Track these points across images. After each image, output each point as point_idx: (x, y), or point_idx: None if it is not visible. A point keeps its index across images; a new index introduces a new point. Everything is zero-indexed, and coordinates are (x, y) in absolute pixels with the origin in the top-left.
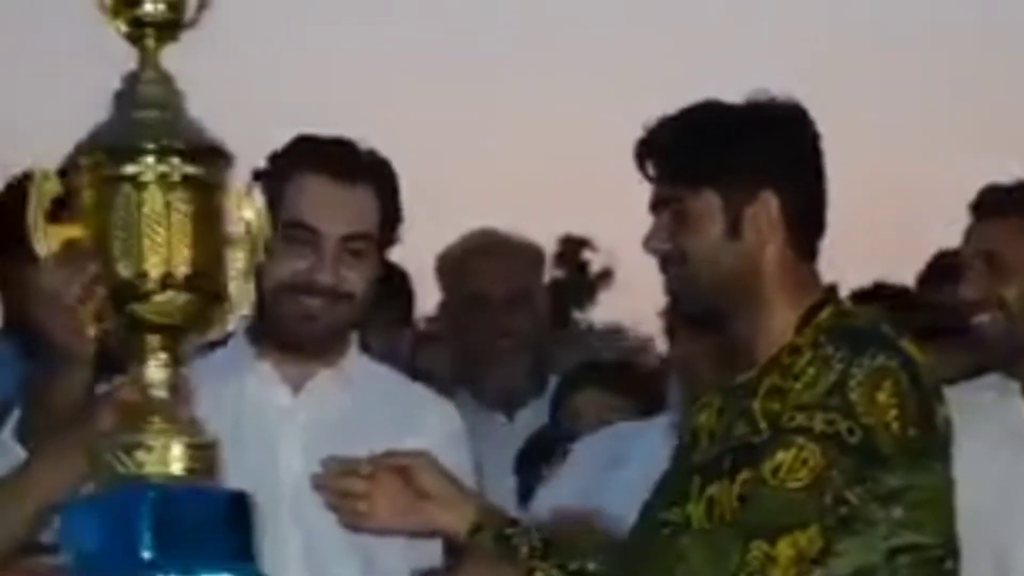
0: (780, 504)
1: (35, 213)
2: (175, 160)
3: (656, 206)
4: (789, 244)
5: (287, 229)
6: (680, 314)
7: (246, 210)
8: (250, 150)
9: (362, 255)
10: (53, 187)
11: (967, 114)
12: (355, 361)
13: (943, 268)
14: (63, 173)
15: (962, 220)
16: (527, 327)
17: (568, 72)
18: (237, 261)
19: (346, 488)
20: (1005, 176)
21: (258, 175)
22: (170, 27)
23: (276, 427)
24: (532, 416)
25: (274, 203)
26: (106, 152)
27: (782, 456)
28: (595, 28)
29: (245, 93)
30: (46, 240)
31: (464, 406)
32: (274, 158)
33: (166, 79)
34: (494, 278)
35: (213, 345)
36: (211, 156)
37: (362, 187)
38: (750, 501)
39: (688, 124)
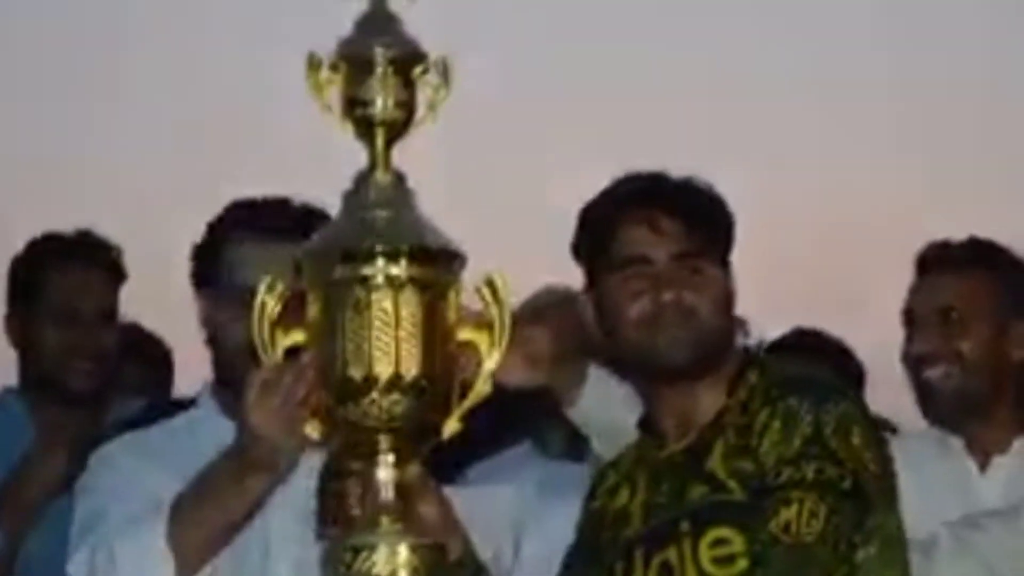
0: (800, 558)
1: (261, 322)
2: (404, 262)
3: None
4: None
5: (243, 295)
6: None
7: (488, 305)
8: None
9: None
10: (279, 295)
11: (913, 166)
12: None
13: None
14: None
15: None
16: None
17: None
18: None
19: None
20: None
21: (197, 249)
22: (400, 126)
23: None
24: None
25: (217, 272)
26: (336, 255)
27: (787, 513)
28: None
29: None
30: (272, 349)
31: None
32: (211, 228)
33: (396, 178)
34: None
35: (177, 407)
36: (441, 257)
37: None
38: (768, 563)
39: (703, 195)
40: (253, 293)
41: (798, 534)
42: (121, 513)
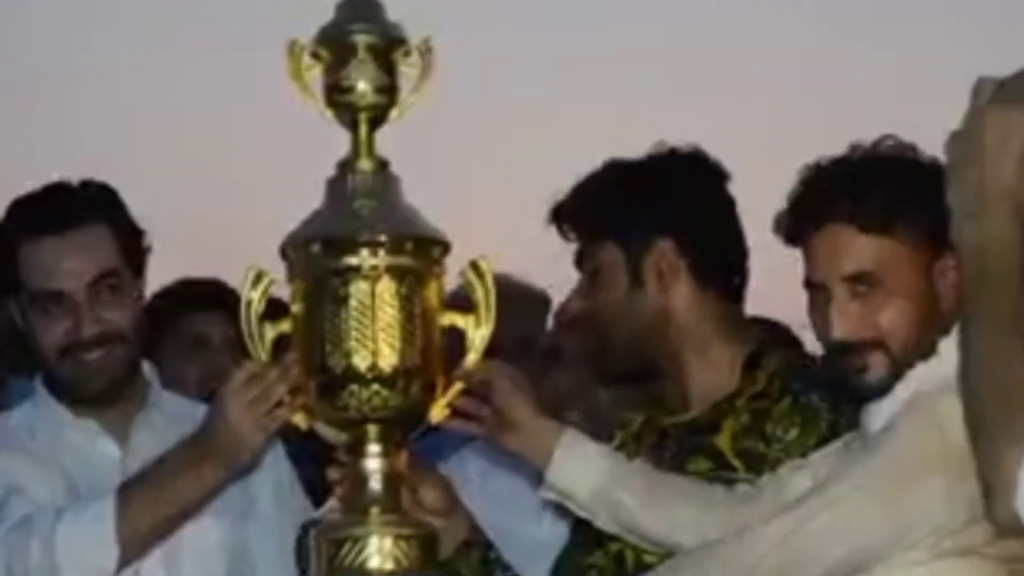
0: None
1: (248, 313)
2: (387, 251)
3: (577, 265)
4: (700, 288)
5: (37, 302)
6: (604, 373)
7: (474, 289)
8: None
9: (117, 290)
10: (265, 286)
11: None
12: (162, 397)
13: None
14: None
15: None
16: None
17: None
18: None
19: None
20: None
21: None
22: (382, 111)
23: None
24: None
25: (13, 276)
26: (320, 244)
27: None
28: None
29: None
30: (260, 340)
31: None
32: (2, 231)
33: (380, 165)
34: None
35: None
36: (425, 245)
37: (87, 227)
38: None
39: (591, 183)
40: (59, 295)
41: None
42: (28, 503)
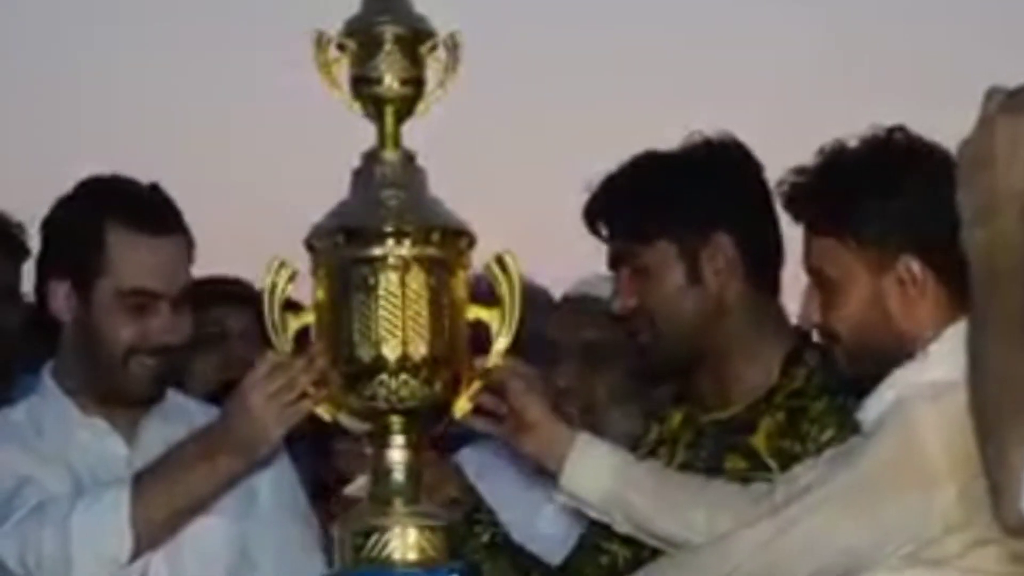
0: None
1: (271, 304)
2: (413, 242)
3: (614, 264)
4: (751, 282)
5: (127, 298)
6: (654, 369)
7: (499, 284)
8: None
9: (184, 302)
10: (288, 276)
11: None
12: (169, 396)
13: None
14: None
15: None
16: None
17: None
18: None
19: None
20: None
21: (53, 226)
22: (409, 103)
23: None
24: None
25: (94, 262)
26: (345, 234)
27: None
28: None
29: None
30: (284, 331)
31: None
32: (74, 212)
33: (406, 157)
34: None
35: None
36: (452, 237)
37: (179, 237)
38: None
39: (631, 179)
40: (153, 295)
41: None
42: (39, 492)
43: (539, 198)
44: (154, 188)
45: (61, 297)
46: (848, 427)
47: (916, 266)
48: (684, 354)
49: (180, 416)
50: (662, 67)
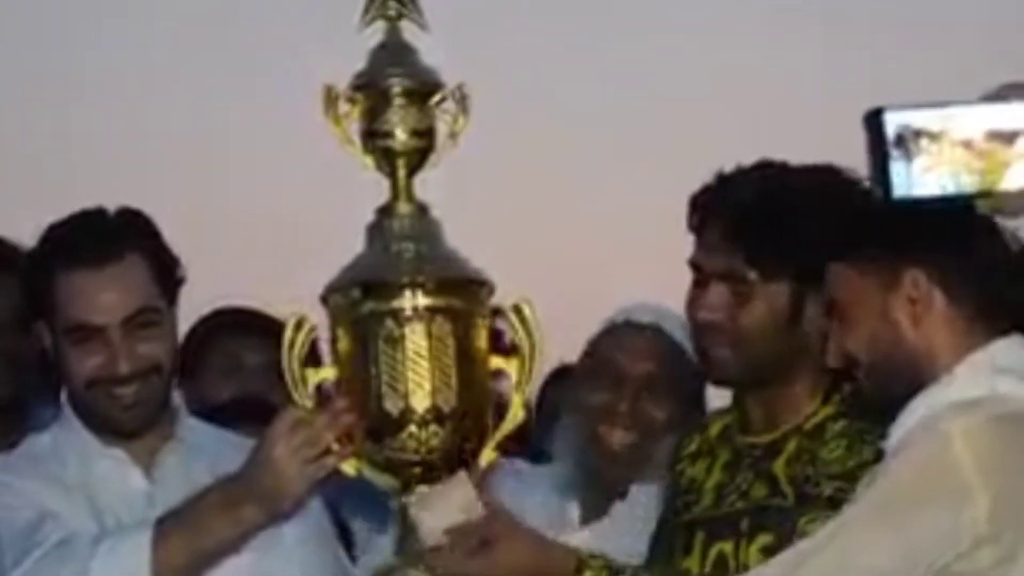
0: None
1: (290, 359)
2: (433, 293)
3: (711, 276)
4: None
5: (71, 333)
6: (715, 379)
7: (516, 332)
8: None
9: (153, 324)
10: (307, 332)
11: None
12: (188, 427)
13: None
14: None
15: None
16: None
17: None
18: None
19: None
20: None
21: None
22: (420, 155)
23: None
24: None
25: (47, 302)
26: (362, 289)
27: (806, 526)
28: None
29: None
30: (304, 388)
31: None
32: (32, 258)
33: (419, 209)
34: None
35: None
36: (468, 286)
37: (125, 261)
38: None
39: (775, 210)
40: (94, 329)
41: None
42: (60, 528)
43: (556, 243)
44: (100, 214)
45: (43, 336)
46: (858, 448)
47: (923, 280)
48: (751, 379)
49: (203, 448)
50: (675, 112)
